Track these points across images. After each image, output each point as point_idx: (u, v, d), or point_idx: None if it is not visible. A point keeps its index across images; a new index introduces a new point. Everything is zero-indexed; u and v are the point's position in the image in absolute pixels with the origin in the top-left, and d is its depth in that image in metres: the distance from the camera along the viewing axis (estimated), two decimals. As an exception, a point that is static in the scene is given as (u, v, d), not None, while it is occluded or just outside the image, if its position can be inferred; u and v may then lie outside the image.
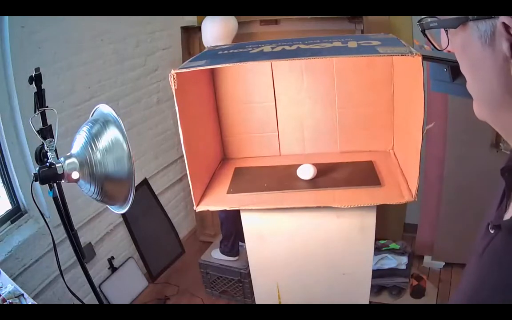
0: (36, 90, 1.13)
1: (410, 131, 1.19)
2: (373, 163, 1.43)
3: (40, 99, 1.14)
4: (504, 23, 0.42)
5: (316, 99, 1.52)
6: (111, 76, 2.42)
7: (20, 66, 1.86)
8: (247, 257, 1.54)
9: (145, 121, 2.74)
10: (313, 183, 1.35)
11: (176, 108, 1.17)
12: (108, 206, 1.08)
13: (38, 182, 0.97)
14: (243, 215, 1.37)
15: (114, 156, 0.96)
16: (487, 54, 0.45)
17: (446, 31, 0.50)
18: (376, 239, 1.51)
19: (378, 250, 2.35)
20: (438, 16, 0.50)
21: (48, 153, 1.00)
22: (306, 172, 1.36)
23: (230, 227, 2.45)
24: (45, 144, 1.02)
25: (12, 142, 1.94)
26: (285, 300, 1.49)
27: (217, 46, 1.52)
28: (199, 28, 2.56)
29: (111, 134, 0.97)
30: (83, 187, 1.00)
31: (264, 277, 1.49)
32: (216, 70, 1.54)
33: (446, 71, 1.29)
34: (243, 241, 1.60)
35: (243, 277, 2.43)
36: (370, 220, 1.29)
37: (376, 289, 2.33)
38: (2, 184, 2.00)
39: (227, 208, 1.31)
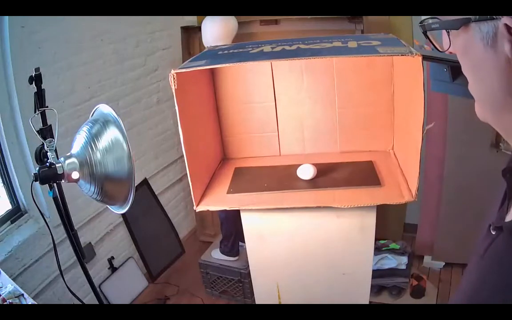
0: (36, 90, 1.13)
1: (410, 131, 1.19)
2: (373, 163, 1.43)
3: (40, 99, 1.14)
4: (506, 25, 0.42)
5: (316, 99, 1.52)
6: (111, 76, 2.42)
7: (20, 66, 1.86)
8: (247, 257, 1.54)
9: (145, 121, 2.74)
10: (313, 183, 1.35)
11: (176, 108, 1.17)
12: (108, 206, 1.08)
13: (38, 182, 0.97)
14: (243, 215, 1.37)
15: (114, 156, 0.96)
16: (489, 56, 0.45)
17: (448, 32, 0.50)
18: (376, 239, 1.51)
19: (378, 250, 2.35)
20: (440, 17, 0.50)
21: (48, 153, 1.00)
22: (306, 172, 1.36)
23: (230, 227, 2.45)
24: (45, 144, 1.02)
25: (12, 142, 1.94)
26: (285, 300, 1.49)
27: (217, 46, 1.52)
28: (199, 28, 2.56)
29: (111, 134, 0.97)
30: (83, 187, 1.00)
31: (264, 277, 1.49)
32: (216, 70, 1.54)
33: (446, 71, 1.29)
34: (243, 241, 1.60)
35: (243, 277, 2.43)
36: (370, 220, 1.29)
37: (376, 289, 2.33)
38: (2, 184, 2.00)
39: (227, 208, 1.31)
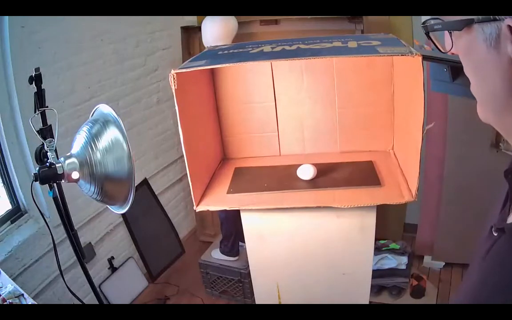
0: (36, 90, 1.13)
1: (410, 131, 1.19)
2: (373, 163, 1.43)
3: (40, 99, 1.14)
4: (509, 26, 0.42)
5: (316, 99, 1.52)
6: (111, 76, 2.42)
7: (20, 66, 1.86)
8: (247, 257, 1.54)
9: (145, 121, 2.74)
10: (313, 183, 1.35)
11: (176, 108, 1.17)
12: (108, 206, 1.08)
13: (38, 182, 0.97)
14: (243, 215, 1.37)
15: (114, 156, 0.96)
16: (492, 57, 0.45)
17: (450, 33, 0.50)
18: (376, 239, 1.51)
19: (378, 250, 2.35)
20: (442, 18, 0.50)
21: (48, 153, 1.00)
22: (306, 172, 1.36)
23: (230, 227, 2.45)
24: (45, 144, 1.02)
25: (12, 142, 1.94)
26: (285, 300, 1.49)
27: (217, 46, 1.52)
28: (199, 28, 2.56)
29: (111, 134, 0.97)
30: (83, 187, 1.00)
31: (264, 277, 1.49)
32: (216, 70, 1.54)
33: (446, 71, 1.29)
34: (243, 241, 1.60)
35: (243, 277, 2.43)
36: (370, 220, 1.29)
37: (376, 289, 2.33)
38: (2, 184, 2.00)
39: (227, 208, 1.31)
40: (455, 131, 2.26)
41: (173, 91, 1.15)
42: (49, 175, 0.96)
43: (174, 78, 1.13)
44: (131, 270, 2.67)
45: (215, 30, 2.34)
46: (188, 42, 2.94)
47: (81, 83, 2.23)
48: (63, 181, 0.98)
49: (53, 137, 1.10)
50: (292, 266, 1.44)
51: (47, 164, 0.98)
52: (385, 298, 2.33)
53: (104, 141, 0.96)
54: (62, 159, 0.97)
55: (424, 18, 0.53)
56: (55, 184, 1.11)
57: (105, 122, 0.99)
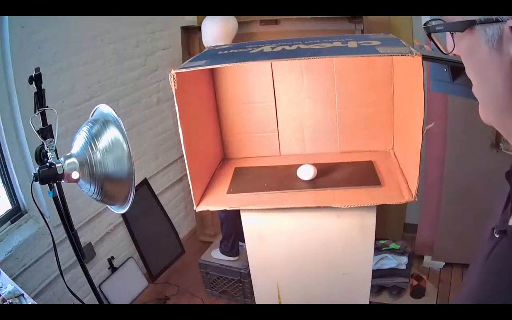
0: (36, 90, 1.13)
1: (410, 131, 1.19)
2: (373, 163, 1.43)
3: (40, 99, 1.14)
4: (511, 27, 0.42)
5: (316, 99, 1.52)
6: (111, 76, 2.42)
7: (20, 66, 1.86)
8: (247, 257, 1.54)
9: (145, 121, 2.74)
10: (313, 183, 1.35)
11: (176, 108, 1.17)
12: (108, 206, 1.08)
13: (38, 182, 0.97)
14: (243, 215, 1.37)
15: (114, 156, 0.96)
16: (494, 58, 0.45)
17: (452, 34, 0.50)
18: (376, 239, 1.51)
19: (378, 250, 2.35)
20: (444, 19, 0.50)
21: (48, 153, 1.00)
22: (306, 172, 1.36)
23: (230, 227, 2.45)
24: (45, 144, 1.02)
25: (12, 142, 1.94)
26: (285, 300, 1.49)
27: (217, 46, 1.52)
28: (199, 28, 2.56)
29: (111, 134, 0.97)
30: (83, 187, 1.00)
31: (264, 277, 1.49)
32: (216, 70, 1.54)
33: (446, 71, 1.29)
34: (243, 241, 1.60)
35: (243, 277, 2.43)
36: (370, 220, 1.29)
37: (376, 289, 2.33)
38: (2, 184, 2.00)
39: (227, 208, 1.31)
40: (455, 131, 2.26)
41: (173, 91, 1.15)
42: (49, 175, 0.96)
43: (174, 78, 1.13)
44: (131, 270, 2.67)
45: (215, 30, 2.34)
46: (188, 42, 2.94)
47: (81, 83, 2.23)
48: (63, 181, 0.98)
49: (53, 137, 1.10)
50: (292, 266, 1.44)
51: (47, 164, 0.97)
52: (385, 298, 2.33)
53: (104, 141, 0.96)
54: (62, 159, 0.97)
55: (424, 18, 0.53)
56: (55, 184, 1.11)
57: (105, 122, 0.99)
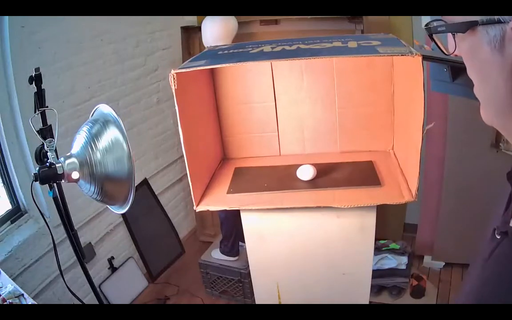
0: (36, 90, 1.13)
1: (410, 131, 1.19)
2: (373, 163, 1.43)
3: (40, 99, 1.14)
4: None
5: (316, 99, 1.52)
6: (111, 76, 2.42)
7: (20, 66, 1.86)
8: (247, 257, 1.54)
9: (145, 121, 2.74)
10: (313, 183, 1.35)
11: (176, 108, 1.17)
12: (108, 206, 1.08)
13: (38, 182, 0.97)
14: (243, 215, 1.37)
15: (114, 156, 0.96)
16: (496, 59, 0.45)
17: (454, 35, 0.50)
18: (376, 239, 1.51)
19: (378, 250, 2.35)
20: (446, 20, 0.49)
21: (48, 153, 1.00)
22: (306, 173, 1.36)
23: (230, 227, 2.45)
24: (45, 144, 1.02)
25: (12, 142, 1.94)
26: (285, 300, 1.49)
27: (217, 46, 1.52)
28: (199, 28, 2.56)
29: (111, 134, 0.97)
30: (83, 187, 1.00)
31: (264, 277, 1.49)
32: (216, 70, 1.54)
33: (446, 71, 1.29)
34: (243, 241, 1.60)
35: (243, 277, 2.43)
36: (370, 220, 1.29)
37: (376, 289, 2.33)
38: (2, 184, 2.00)
39: (227, 208, 1.31)
40: (455, 131, 2.26)
41: (173, 91, 1.15)
42: (49, 175, 0.96)
43: (174, 78, 1.13)
44: (131, 270, 2.67)
45: (215, 30, 2.34)
46: (188, 42, 2.94)
47: (81, 83, 2.23)
48: (63, 181, 0.98)
49: (53, 137, 1.10)
50: (292, 266, 1.44)
51: (47, 164, 0.98)
52: (385, 298, 2.33)
53: (104, 141, 0.96)
54: (62, 159, 0.97)
55: (425, 18, 0.53)
56: (55, 184, 1.11)
57: (105, 122, 0.99)
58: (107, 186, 0.98)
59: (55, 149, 1.02)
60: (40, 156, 1.04)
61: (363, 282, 1.41)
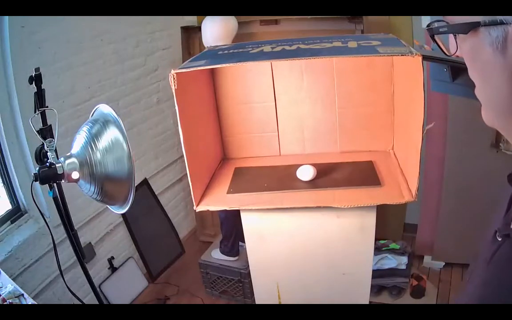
0: (36, 90, 1.13)
1: (410, 131, 1.19)
2: (373, 163, 1.43)
3: (40, 99, 1.14)
4: None
5: (316, 99, 1.52)
6: (111, 76, 2.42)
7: (20, 66, 1.86)
8: (247, 257, 1.54)
9: (145, 121, 2.74)
10: (313, 183, 1.35)
11: (176, 108, 1.17)
12: (108, 206, 1.08)
13: (38, 182, 0.97)
14: (243, 215, 1.37)
15: (114, 156, 0.96)
16: (498, 61, 0.45)
17: (455, 36, 0.49)
18: (376, 239, 1.51)
19: (378, 250, 2.35)
20: (448, 21, 0.49)
21: (48, 153, 1.00)
22: (306, 173, 1.36)
23: (230, 227, 2.45)
24: (45, 144, 1.02)
25: (12, 142, 1.94)
26: (285, 300, 1.49)
27: (217, 46, 1.52)
28: (199, 28, 2.56)
29: (111, 134, 0.97)
30: (83, 187, 1.00)
31: (264, 277, 1.49)
32: (216, 70, 1.54)
33: (446, 71, 1.29)
34: (243, 241, 1.60)
35: (243, 277, 2.43)
36: (370, 220, 1.29)
37: (376, 289, 2.33)
38: (2, 184, 2.00)
39: (227, 208, 1.31)
40: (455, 131, 2.26)
41: (173, 91, 1.15)
42: (49, 175, 0.96)
43: (174, 78, 1.13)
44: (131, 270, 2.67)
45: (215, 30, 2.34)
46: (188, 42, 2.94)
47: (81, 83, 2.23)
48: (63, 181, 0.98)
49: (53, 137, 1.10)
50: (292, 266, 1.44)
51: (47, 164, 0.98)
52: (385, 298, 2.33)
53: (104, 141, 0.96)
54: (62, 159, 0.97)
55: (425, 19, 0.53)
56: (55, 184, 1.11)
57: (105, 122, 0.99)
58: (107, 186, 0.98)
59: (55, 149, 1.02)
60: (40, 156, 1.04)
61: (363, 282, 1.41)
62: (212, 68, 1.51)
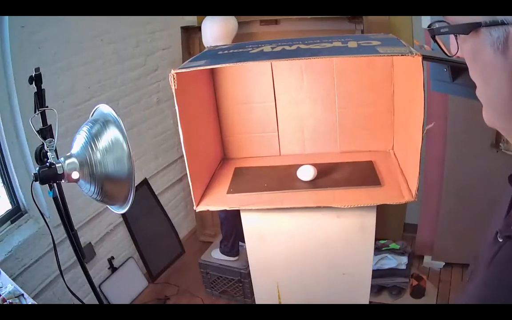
0: (36, 90, 1.13)
1: (410, 131, 1.19)
2: (373, 163, 1.43)
3: (40, 99, 1.14)
4: None
5: (316, 99, 1.52)
6: (111, 76, 2.42)
7: (20, 66, 1.86)
8: (247, 257, 1.54)
9: (145, 121, 2.74)
10: (313, 183, 1.35)
11: (176, 108, 1.17)
12: (108, 206, 1.08)
13: (38, 182, 0.97)
14: (243, 215, 1.37)
15: (114, 156, 0.96)
16: (499, 61, 0.45)
17: (456, 36, 0.49)
18: (376, 239, 1.51)
19: (378, 250, 2.35)
20: (449, 21, 0.49)
21: (48, 153, 1.00)
22: (306, 173, 1.36)
23: (230, 227, 2.45)
24: (45, 144, 1.02)
25: (12, 142, 1.94)
26: (285, 300, 1.49)
27: (217, 46, 1.52)
28: (199, 28, 2.56)
29: (111, 134, 0.97)
30: (83, 187, 1.00)
31: (264, 277, 1.49)
32: (216, 70, 1.54)
33: (446, 71, 1.29)
34: (243, 241, 1.60)
35: (243, 277, 2.43)
36: (370, 220, 1.29)
37: (376, 289, 2.33)
38: (2, 184, 2.00)
39: (227, 208, 1.31)
40: (455, 131, 2.26)
41: (173, 91, 1.15)
42: (49, 175, 0.96)
43: (174, 78, 1.13)
44: (131, 270, 2.67)
45: (215, 30, 2.34)
46: (188, 42, 2.94)
47: (81, 83, 2.23)
48: (63, 181, 0.98)
49: (53, 137, 1.10)
50: (292, 266, 1.44)
51: (47, 164, 0.98)
52: (385, 298, 2.33)
53: (104, 141, 0.96)
54: (62, 159, 0.97)
55: (425, 19, 0.53)
56: (55, 184, 1.11)
57: (105, 122, 0.99)
58: (107, 186, 0.98)
59: (55, 149, 1.02)
60: (40, 156, 1.04)
61: (363, 282, 1.41)
62: (212, 68, 1.51)
